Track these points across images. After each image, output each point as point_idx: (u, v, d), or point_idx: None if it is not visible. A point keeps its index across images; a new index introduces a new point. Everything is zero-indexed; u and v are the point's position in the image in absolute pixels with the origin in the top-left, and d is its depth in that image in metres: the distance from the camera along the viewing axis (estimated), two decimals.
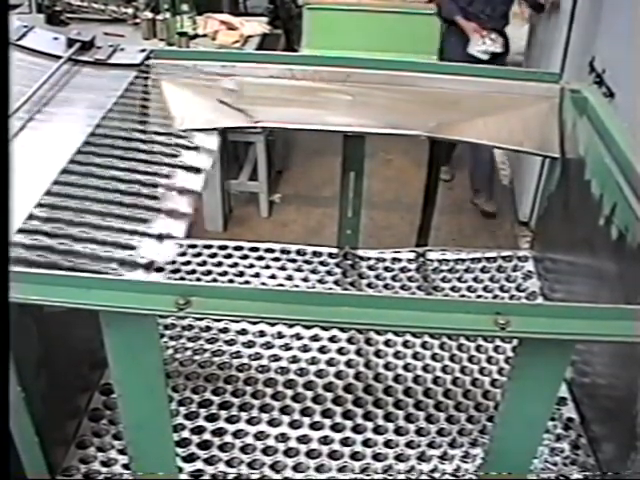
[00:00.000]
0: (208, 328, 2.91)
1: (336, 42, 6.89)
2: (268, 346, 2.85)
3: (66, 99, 2.63)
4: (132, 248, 2.18)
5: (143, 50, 2.98)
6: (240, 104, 2.89)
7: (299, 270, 3.24)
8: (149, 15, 5.96)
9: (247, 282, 3.14)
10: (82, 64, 2.87)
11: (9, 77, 1.31)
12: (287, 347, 2.85)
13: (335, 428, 2.54)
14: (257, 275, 3.21)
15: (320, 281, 3.18)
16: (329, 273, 3.22)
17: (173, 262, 3.25)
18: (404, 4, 6.88)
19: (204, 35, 5.88)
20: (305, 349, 2.84)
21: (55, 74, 2.72)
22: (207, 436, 2.52)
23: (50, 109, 2.56)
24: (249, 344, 2.85)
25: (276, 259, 3.30)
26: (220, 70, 2.92)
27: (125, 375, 1.93)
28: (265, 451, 2.47)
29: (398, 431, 2.55)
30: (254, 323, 2.87)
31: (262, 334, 2.89)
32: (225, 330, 2.90)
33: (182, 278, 3.15)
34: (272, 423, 2.56)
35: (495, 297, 3.11)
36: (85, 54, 2.90)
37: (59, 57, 2.84)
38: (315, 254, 3.32)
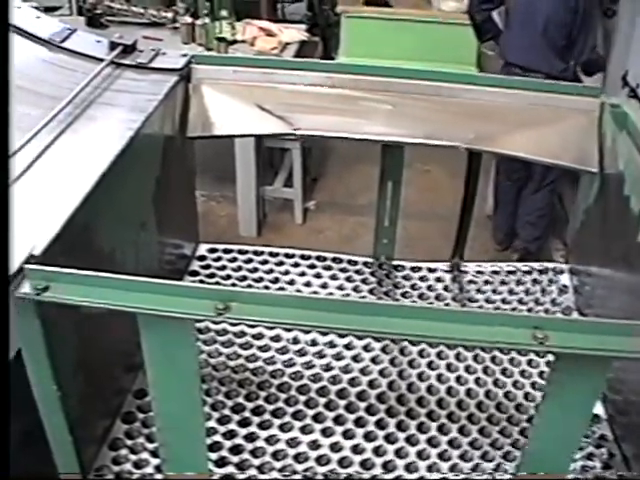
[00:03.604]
0: (242, 334, 2.91)
1: (373, 51, 6.88)
2: (302, 353, 2.85)
3: (108, 102, 2.65)
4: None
5: (184, 55, 3.00)
6: (280, 111, 2.89)
7: (334, 278, 3.24)
8: (188, 20, 5.99)
9: (282, 288, 3.15)
10: (124, 67, 2.89)
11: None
12: (320, 355, 2.85)
13: (368, 437, 2.54)
14: (292, 282, 3.21)
15: (355, 289, 3.18)
16: (364, 282, 3.22)
17: (208, 266, 3.27)
18: (441, 14, 6.85)
19: (242, 41, 5.89)
20: (339, 357, 2.84)
21: (97, 77, 2.74)
22: (239, 441, 2.53)
23: (92, 112, 2.58)
24: (283, 350, 2.86)
25: (312, 266, 3.30)
26: (260, 77, 2.94)
27: (160, 378, 1.95)
28: (297, 458, 2.47)
29: (430, 442, 2.54)
30: (288, 330, 2.88)
31: (296, 341, 2.89)
32: (259, 336, 2.91)
33: (217, 283, 3.16)
34: (304, 430, 2.56)
35: (530, 310, 3.10)
36: (127, 57, 2.93)
37: (101, 60, 2.86)
38: (351, 262, 3.32)
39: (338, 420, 2.60)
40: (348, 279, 3.24)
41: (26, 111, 2.53)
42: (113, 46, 2.95)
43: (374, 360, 2.84)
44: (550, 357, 1.83)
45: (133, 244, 2.61)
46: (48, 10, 5.89)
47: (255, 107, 2.90)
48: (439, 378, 2.79)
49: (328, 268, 3.28)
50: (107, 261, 2.31)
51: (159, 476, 2.36)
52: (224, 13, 5.94)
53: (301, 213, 5.79)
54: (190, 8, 6.28)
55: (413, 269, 3.30)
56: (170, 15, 6.19)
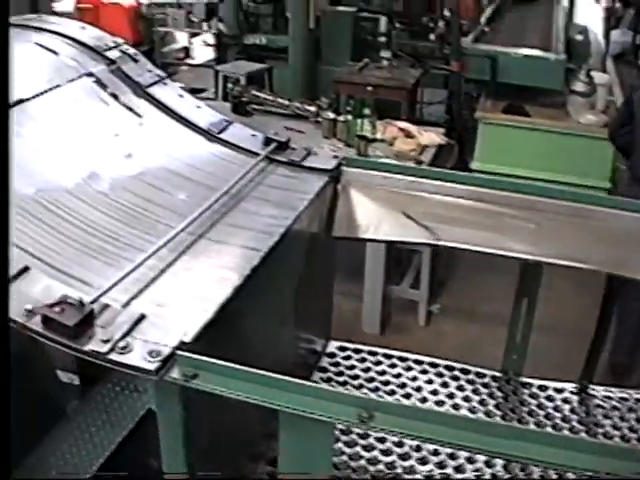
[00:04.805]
0: (366, 435, 2.92)
1: (508, 158, 6.93)
2: (423, 461, 2.84)
3: (261, 196, 2.75)
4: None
5: (335, 156, 3.08)
6: (424, 220, 2.93)
7: (461, 389, 3.23)
8: (331, 115, 6.13)
9: (409, 395, 3.16)
10: (277, 163, 2.99)
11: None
12: (442, 465, 2.83)
13: None
14: (419, 389, 3.21)
15: (481, 403, 3.16)
16: (491, 396, 3.20)
17: (337, 364, 3.30)
18: (578, 126, 6.87)
19: (382, 140, 5.98)
20: (459, 469, 2.82)
21: (252, 170, 2.84)
22: None
23: (245, 204, 2.68)
24: (404, 457, 2.86)
25: (439, 374, 3.30)
26: (408, 184, 2.99)
27: (293, 471, 1.97)
28: None
29: None
30: None
31: (418, 449, 2.88)
32: (382, 440, 2.91)
33: (345, 382, 3.19)
34: None
35: None
36: (281, 154, 3.03)
37: (256, 154, 2.97)
38: (479, 375, 3.31)
39: None
40: (475, 391, 3.22)
41: (183, 197, 2.64)
42: (267, 142, 3.06)
43: (495, 476, 2.81)
44: None
45: (271, 336, 2.67)
46: (193, 92, 6.12)
47: (400, 214, 2.95)
48: None
49: (455, 378, 3.28)
50: (246, 351, 2.36)
51: None
52: (366, 111, 6.06)
53: (425, 315, 5.79)
54: (333, 104, 6.45)
55: (540, 387, 3.27)
56: (313, 109, 6.34)
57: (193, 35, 12.05)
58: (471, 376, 3.30)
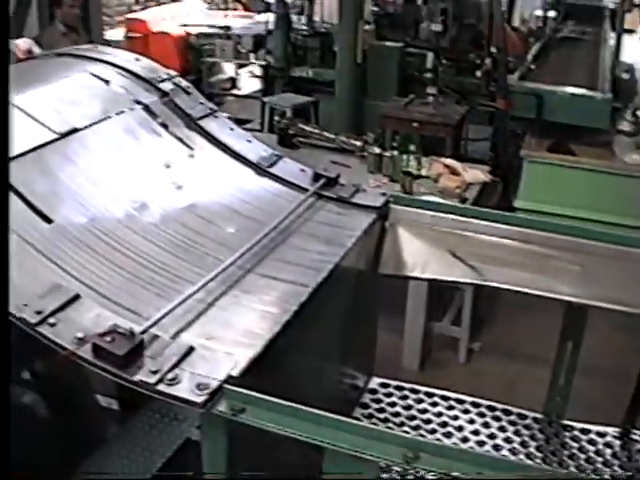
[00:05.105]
0: (405, 473, 2.91)
1: (552, 197, 6.87)
2: None
3: (310, 232, 2.77)
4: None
5: (383, 194, 3.10)
6: (470, 260, 2.94)
7: (503, 430, 3.22)
8: (376, 150, 6.13)
9: (450, 434, 3.15)
10: (326, 199, 3.01)
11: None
12: None
13: None
14: (461, 429, 3.20)
15: (522, 444, 3.15)
16: (532, 438, 3.19)
17: (379, 401, 3.30)
18: (624, 165, 6.79)
19: (427, 176, 5.98)
20: None
21: (301, 206, 2.86)
22: None
23: (294, 240, 2.70)
24: None
25: (481, 414, 3.29)
26: (456, 224, 3.00)
27: None
28: None
29: None
30: None
31: None
32: (421, 479, 2.90)
33: (386, 419, 3.19)
34: None
35: None
36: (329, 190, 3.05)
37: (304, 189, 2.99)
38: (520, 416, 3.29)
39: None
40: (516, 433, 3.21)
41: (232, 231, 2.68)
42: (317, 177, 3.08)
43: None
44: None
45: (315, 372, 2.68)
46: (239, 122, 6.16)
47: (447, 253, 2.96)
48: None
49: (497, 419, 3.27)
50: (291, 386, 2.37)
51: None
52: (412, 147, 6.06)
53: (465, 353, 5.76)
54: (379, 139, 6.46)
55: (582, 431, 3.25)
56: (359, 144, 6.36)
57: (240, 66, 12.14)
58: (513, 417, 3.29)
